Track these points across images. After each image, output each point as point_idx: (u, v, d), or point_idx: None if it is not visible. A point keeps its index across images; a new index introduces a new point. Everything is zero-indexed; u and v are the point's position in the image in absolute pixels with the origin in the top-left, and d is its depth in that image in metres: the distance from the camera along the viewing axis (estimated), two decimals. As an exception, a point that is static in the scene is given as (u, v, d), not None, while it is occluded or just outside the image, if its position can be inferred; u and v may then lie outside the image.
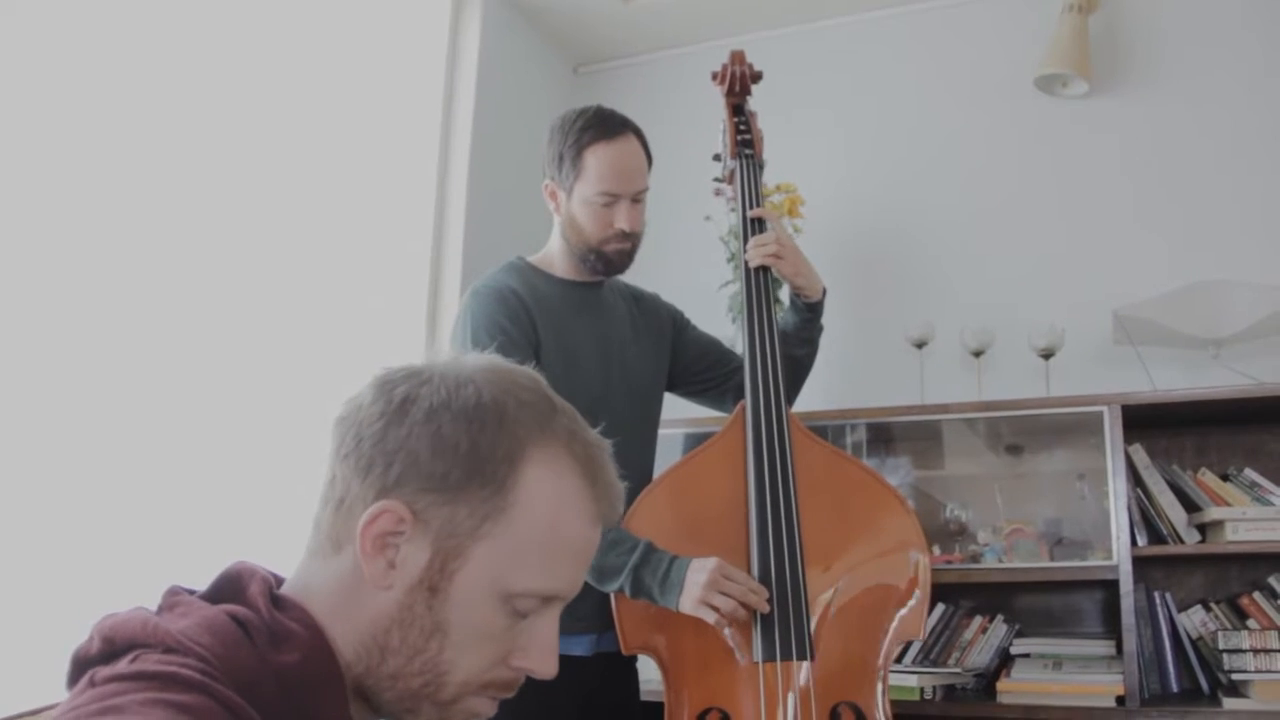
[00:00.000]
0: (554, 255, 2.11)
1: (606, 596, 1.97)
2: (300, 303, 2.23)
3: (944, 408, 2.66)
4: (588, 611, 1.99)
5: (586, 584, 1.96)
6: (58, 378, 1.71)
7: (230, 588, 0.85)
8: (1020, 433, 2.72)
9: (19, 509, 1.62)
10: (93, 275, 1.79)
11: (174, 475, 1.88)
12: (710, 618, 1.84)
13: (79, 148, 1.77)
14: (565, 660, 1.93)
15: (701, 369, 2.29)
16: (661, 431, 2.21)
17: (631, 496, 1.99)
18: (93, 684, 0.74)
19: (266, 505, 1.98)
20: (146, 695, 0.71)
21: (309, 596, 0.85)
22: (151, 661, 0.75)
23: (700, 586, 1.83)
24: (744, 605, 1.87)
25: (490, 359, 0.92)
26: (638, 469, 2.09)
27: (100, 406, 1.78)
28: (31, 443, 1.65)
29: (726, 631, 1.94)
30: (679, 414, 2.36)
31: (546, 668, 0.90)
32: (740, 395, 2.15)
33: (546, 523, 0.85)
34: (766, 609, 1.87)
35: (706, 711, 1.92)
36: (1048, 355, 2.70)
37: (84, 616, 0.82)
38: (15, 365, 1.65)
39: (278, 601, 0.84)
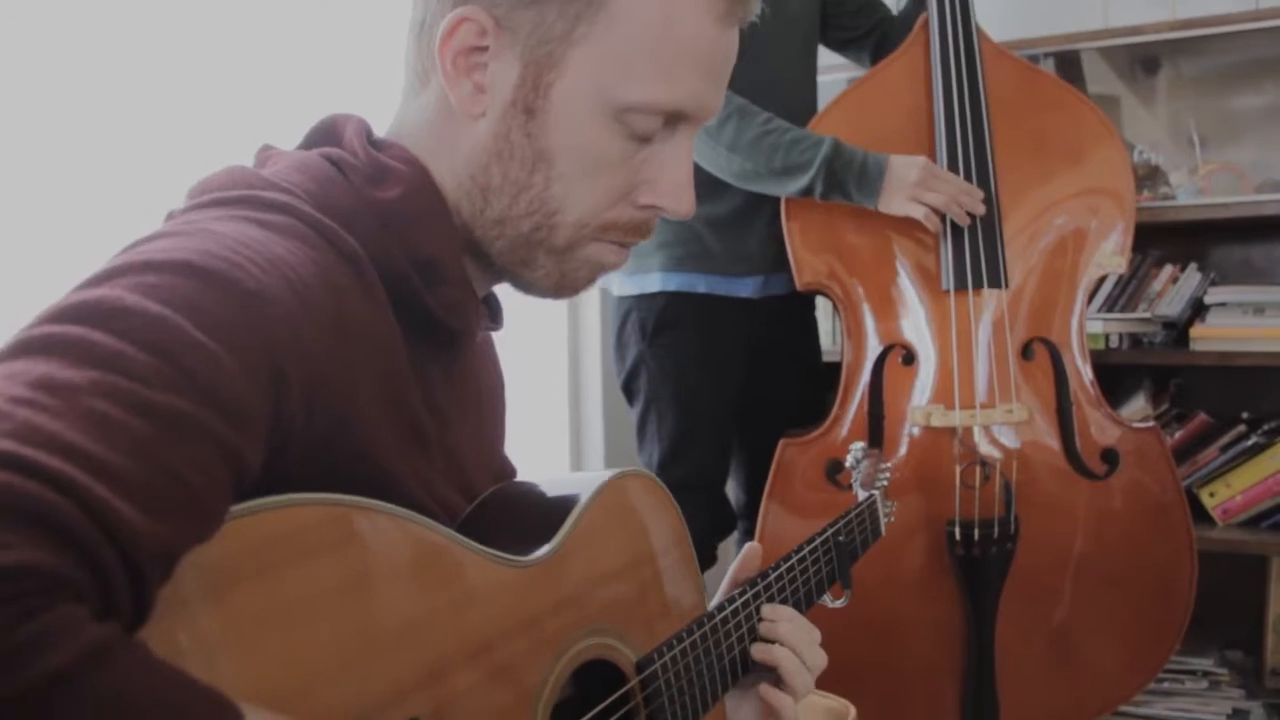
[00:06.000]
0: None
1: (771, 235, 1.86)
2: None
3: (1136, 29, 2.35)
4: (752, 251, 1.89)
5: (750, 221, 1.85)
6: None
7: (325, 135, 0.77)
8: (1222, 59, 2.39)
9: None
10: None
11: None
12: (920, 213, 1.72)
13: None
14: (730, 301, 1.87)
15: (847, 14, 2.07)
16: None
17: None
18: (171, 218, 0.67)
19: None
20: (224, 212, 0.64)
21: (403, 138, 0.77)
22: (234, 193, 0.67)
23: (910, 184, 1.70)
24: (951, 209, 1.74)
25: None
26: (797, 104, 1.91)
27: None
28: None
29: (907, 266, 1.80)
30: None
31: (678, 203, 0.76)
32: (880, 51, 1.99)
33: (656, 18, 0.71)
34: (982, 209, 1.74)
35: (889, 349, 1.81)
36: (1258, -34, 2.35)
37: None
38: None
39: (376, 143, 0.76)
